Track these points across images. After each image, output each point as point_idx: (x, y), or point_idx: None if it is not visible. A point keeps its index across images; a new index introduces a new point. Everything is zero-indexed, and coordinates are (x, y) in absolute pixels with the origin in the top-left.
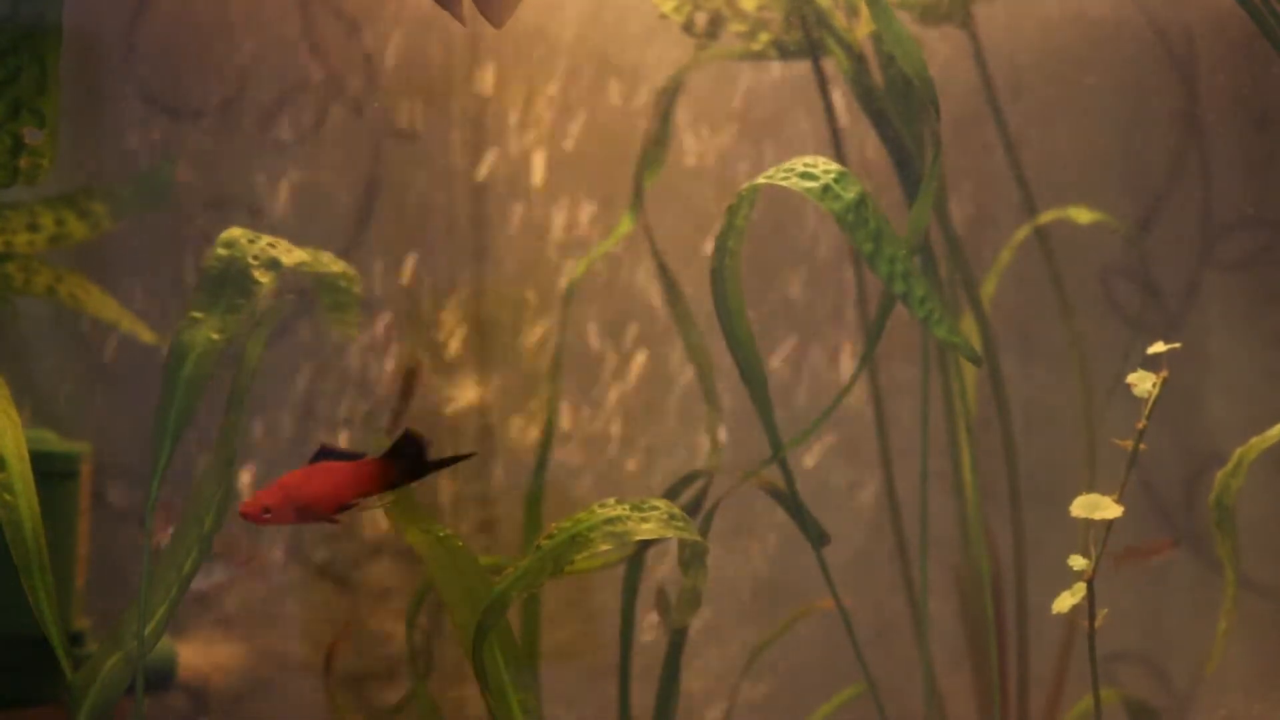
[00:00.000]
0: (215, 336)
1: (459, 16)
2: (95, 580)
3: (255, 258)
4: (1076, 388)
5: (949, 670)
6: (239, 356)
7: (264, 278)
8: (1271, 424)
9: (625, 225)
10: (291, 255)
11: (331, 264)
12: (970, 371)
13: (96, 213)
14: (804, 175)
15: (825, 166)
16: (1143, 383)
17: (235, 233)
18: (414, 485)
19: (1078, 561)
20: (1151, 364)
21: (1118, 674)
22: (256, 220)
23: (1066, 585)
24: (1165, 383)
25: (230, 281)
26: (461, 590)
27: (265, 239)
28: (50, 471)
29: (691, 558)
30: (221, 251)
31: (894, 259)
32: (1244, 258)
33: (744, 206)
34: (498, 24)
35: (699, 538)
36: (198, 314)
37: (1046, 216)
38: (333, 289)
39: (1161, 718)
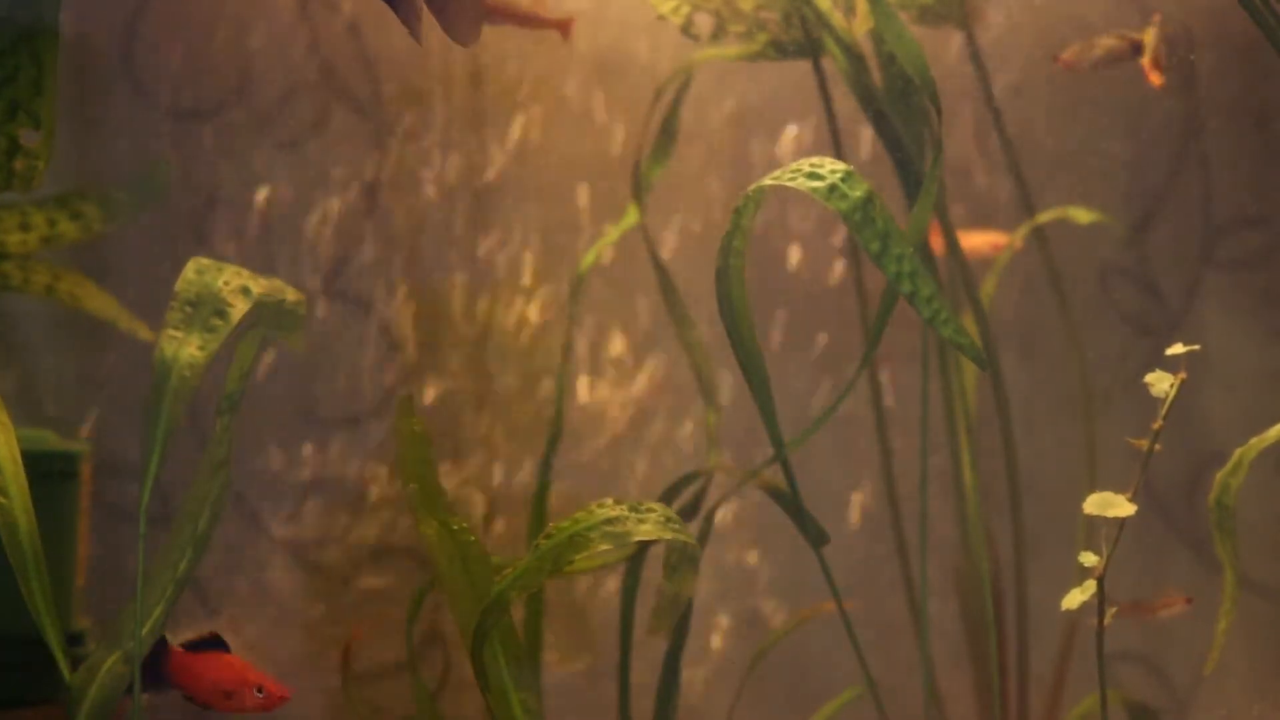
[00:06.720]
0: (197, 353)
1: (417, 36)
2: (95, 580)
3: (225, 283)
4: (1076, 387)
5: (949, 670)
6: (232, 359)
7: (237, 301)
8: (1271, 424)
9: (631, 217)
10: (258, 284)
11: (286, 292)
12: (970, 371)
13: (88, 215)
14: (810, 175)
15: (832, 166)
16: (1160, 383)
17: (204, 261)
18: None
19: (1088, 558)
20: (1168, 365)
21: (1118, 674)
22: (255, 220)
23: (1066, 584)
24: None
25: (204, 303)
26: (466, 587)
27: (231, 269)
28: (50, 471)
29: (679, 562)
30: (192, 276)
31: (901, 258)
32: (1244, 258)
33: (750, 207)
34: (466, 43)
35: (693, 540)
36: (175, 332)
37: (1045, 216)
38: (278, 310)
39: (1161, 718)
